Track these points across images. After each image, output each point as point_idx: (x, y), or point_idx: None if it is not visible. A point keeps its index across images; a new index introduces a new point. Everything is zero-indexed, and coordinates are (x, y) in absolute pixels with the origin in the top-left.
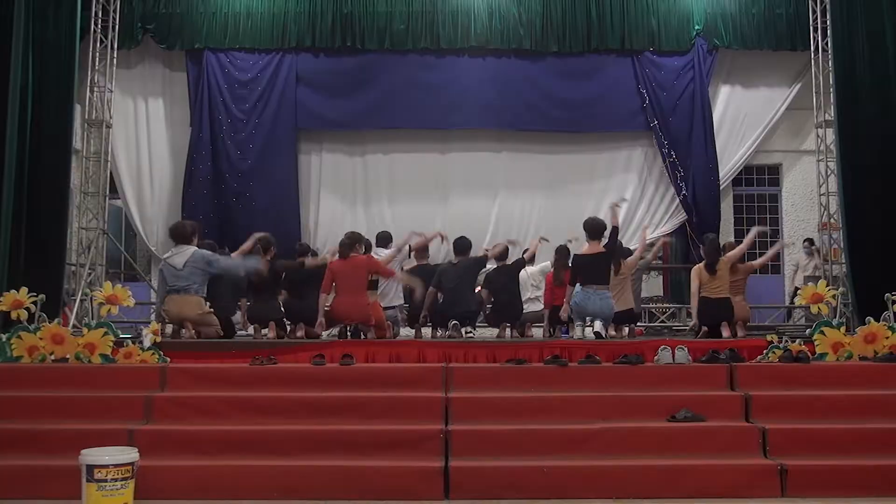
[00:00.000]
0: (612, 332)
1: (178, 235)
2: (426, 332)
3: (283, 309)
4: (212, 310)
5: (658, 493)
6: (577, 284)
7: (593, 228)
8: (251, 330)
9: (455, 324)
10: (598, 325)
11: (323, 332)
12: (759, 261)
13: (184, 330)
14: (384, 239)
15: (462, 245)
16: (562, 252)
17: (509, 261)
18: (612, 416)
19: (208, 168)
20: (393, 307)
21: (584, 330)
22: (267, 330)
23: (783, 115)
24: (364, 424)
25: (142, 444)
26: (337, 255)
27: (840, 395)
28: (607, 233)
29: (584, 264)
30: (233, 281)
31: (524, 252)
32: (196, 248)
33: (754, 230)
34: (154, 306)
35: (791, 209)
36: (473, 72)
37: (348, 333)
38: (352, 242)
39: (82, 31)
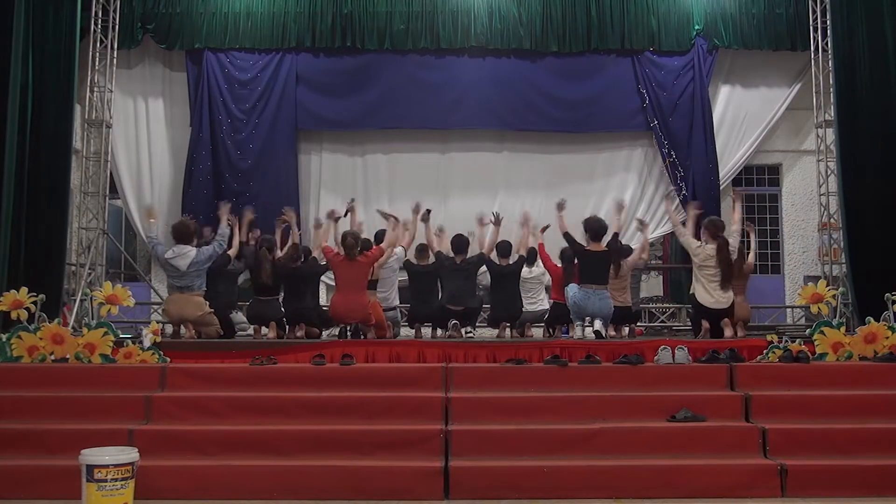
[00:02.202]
0: (612, 332)
1: (182, 235)
2: (426, 332)
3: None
4: (212, 310)
5: (658, 493)
6: (574, 284)
7: (595, 230)
8: (251, 330)
9: (455, 323)
10: (598, 324)
11: (323, 333)
12: (750, 259)
13: (183, 329)
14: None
15: (460, 243)
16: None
17: (511, 259)
18: (612, 416)
19: (208, 168)
20: (393, 308)
21: (584, 330)
22: (267, 330)
23: (783, 115)
24: (364, 424)
25: (142, 444)
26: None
27: (840, 395)
28: (608, 236)
29: (588, 261)
30: (232, 280)
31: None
32: (196, 248)
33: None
34: (155, 306)
35: (791, 209)
36: (473, 72)
37: (348, 333)
38: (356, 243)
39: (82, 31)
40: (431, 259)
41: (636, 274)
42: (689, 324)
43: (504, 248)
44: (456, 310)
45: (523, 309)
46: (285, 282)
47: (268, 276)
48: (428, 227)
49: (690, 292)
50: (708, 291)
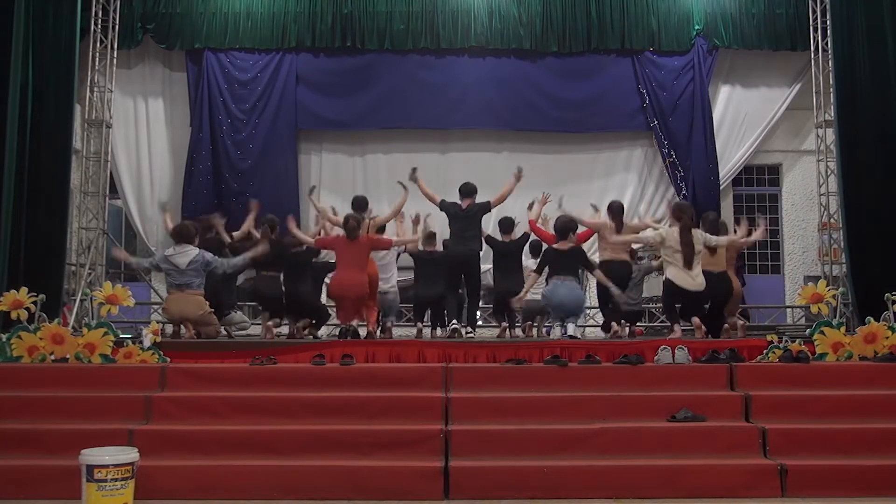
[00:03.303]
0: (616, 327)
1: (183, 236)
2: (426, 332)
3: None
4: (211, 310)
5: (658, 493)
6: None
7: (562, 228)
8: (250, 327)
9: (455, 328)
10: (570, 328)
11: (321, 332)
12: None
13: (183, 330)
14: (360, 203)
15: (468, 189)
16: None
17: (515, 235)
18: (612, 416)
19: (208, 168)
20: (392, 289)
21: (561, 330)
22: (271, 323)
23: (783, 115)
24: (364, 424)
25: (142, 444)
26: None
27: (840, 395)
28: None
29: (554, 258)
30: (231, 279)
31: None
32: (198, 249)
33: (760, 230)
34: (154, 306)
35: (791, 209)
36: (473, 72)
37: (348, 334)
38: (358, 226)
39: (82, 30)
40: (439, 246)
41: (639, 278)
42: (689, 324)
43: (506, 223)
44: (456, 252)
45: (526, 297)
46: (286, 265)
47: (269, 252)
48: (421, 184)
49: (664, 278)
50: (682, 272)
